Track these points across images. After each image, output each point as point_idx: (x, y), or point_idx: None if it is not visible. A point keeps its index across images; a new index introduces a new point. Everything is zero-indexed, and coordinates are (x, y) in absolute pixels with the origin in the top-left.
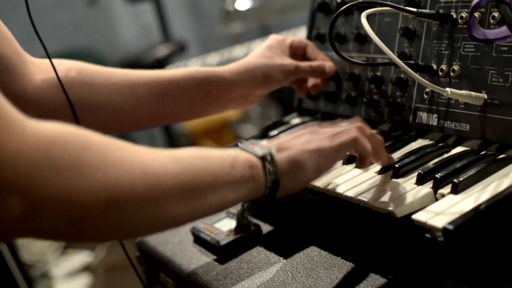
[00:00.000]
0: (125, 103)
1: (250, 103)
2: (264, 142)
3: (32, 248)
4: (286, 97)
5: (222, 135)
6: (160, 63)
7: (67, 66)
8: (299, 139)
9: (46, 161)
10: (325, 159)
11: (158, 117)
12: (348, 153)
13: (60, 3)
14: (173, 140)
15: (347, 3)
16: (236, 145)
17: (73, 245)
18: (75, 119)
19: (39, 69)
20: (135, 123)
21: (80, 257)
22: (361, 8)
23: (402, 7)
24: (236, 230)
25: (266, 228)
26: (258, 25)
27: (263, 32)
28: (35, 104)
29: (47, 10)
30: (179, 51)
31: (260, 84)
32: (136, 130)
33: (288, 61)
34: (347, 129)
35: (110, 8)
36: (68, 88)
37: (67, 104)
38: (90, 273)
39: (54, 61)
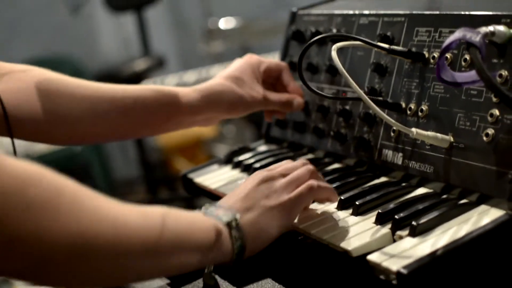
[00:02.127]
0: (87, 118)
1: (213, 124)
2: (226, 203)
3: None
4: (261, 118)
5: (195, 153)
6: (137, 77)
7: (33, 75)
8: (257, 193)
9: (20, 199)
10: (286, 215)
11: (119, 133)
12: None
13: (43, 8)
14: (145, 154)
15: (321, 34)
16: (202, 208)
17: None
18: (8, 127)
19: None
20: (95, 138)
21: None
22: (335, 40)
23: (373, 42)
24: None
25: None
26: (239, 46)
27: (244, 52)
28: None
29: (29, 14)
30: (158, 66)
31: (224, 112)
32: (97, 143)
33: (257, 92)
34: (301, 176)
35: (93, 17)
36: (30, 97)
37: (29, 114)
38: None
39: (23, 67)
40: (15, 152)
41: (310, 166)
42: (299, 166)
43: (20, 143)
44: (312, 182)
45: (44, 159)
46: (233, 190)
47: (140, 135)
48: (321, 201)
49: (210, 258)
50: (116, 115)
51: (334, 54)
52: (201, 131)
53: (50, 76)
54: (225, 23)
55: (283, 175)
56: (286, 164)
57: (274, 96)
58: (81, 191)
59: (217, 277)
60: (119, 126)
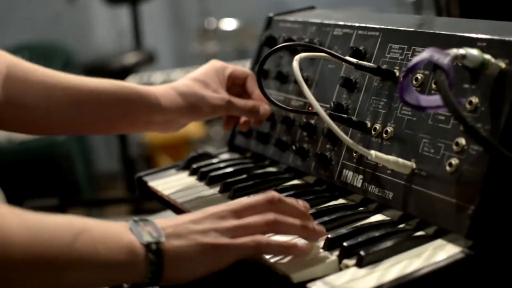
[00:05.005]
0: (40, 104)
1: (174, 129)
2: (160, 223)
3: None
4: None
5: (181, 153)
6: (126, 70)
7: None
8: (197, 226)
9: None
10: (218, 258)
11: (72, 126)
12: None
13: None
14: (128, 149)
15: (293, 41)
16: (131, 221)
17: None
18: None
19: None
20: (49, 128)
21: None
22: (305, 50)
23: (341, 56)
24: None
25: None
26: (234, 48)
27: (239, 55)
28: None
29: (25, 0)
30: (148, 62)
31: (186, 113)
32: (50, 135)
33: (220, 96)
34: (255, 225)
35: (89, 7)
36: None
37: None
38: None
39: None
40: None
41: (271, 216)
42: (261, 210)
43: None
44: (261, 239)
45: (25, 146)
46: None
47: (94, 131)
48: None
49: (120, 278)
50: (69, 104)
51: (295, 64)
52: (189, 131)
53: (10, 59)
54: (222, 24)
55: (239, 215)
56: (250, 202)
57: (239, 101)
58: None
59: None
60: (72, 117)
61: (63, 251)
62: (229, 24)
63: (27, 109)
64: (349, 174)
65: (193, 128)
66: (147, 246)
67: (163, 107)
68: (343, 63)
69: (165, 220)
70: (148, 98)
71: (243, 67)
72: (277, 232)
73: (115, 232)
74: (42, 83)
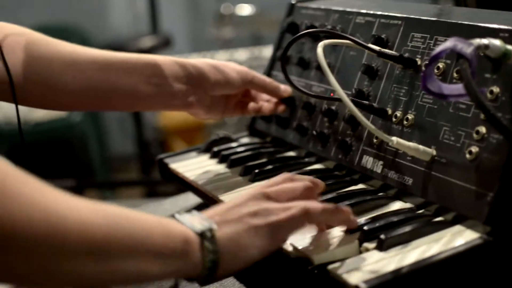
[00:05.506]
0: (66, 75)
1: (203, 106)
2: (205, 213)
3: None
4: None
5: (195, 137)
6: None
7: (8, 31)
8: (244, 208)
9: None
10: (273, 237)
11: (97, 97)
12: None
13: None
14: (143, 133)
15: (315, 28)
16: (173, 216)
17: None
18: (11, 83)
19: None
20: (75, 102)
21: None
22: (328, 37)
23: (363, 43)
24: None
25: None
26: (250, 34)
27: (254, 41)
28: None
29: None
30: (164, 46)
31: (209, 89)
32: (76, 110)
33: (247, 69)
34: (295, 193)
35: None
36: (8, 53)
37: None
38: None
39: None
40: (18, 117)
41: (310, 185)
42: (298, 187)
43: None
44: (308, 205)
45: (41, 127)
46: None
47: (119, 105)
48: (319, 225)
49: (175, 270)
50: (95, 71)
51: (320, 50)
52: None
53: (32, 35)
54: (239, 9)
55: (279, 194)
56: (285, 182)
57: (260, 75)
58: (8, 174)
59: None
60: (98, 86)
61: (120, 238)
62: (245, 9)
63: (53, 82)
64: (369, 160)
65: None
66: (202, 234)
67: (189, 75)
68: (366, 50)
69: (207, 211)
70: (172, 66)
71: (259, 52)
72: (314, 198)
73: (165, 222)
74: (68, 52)
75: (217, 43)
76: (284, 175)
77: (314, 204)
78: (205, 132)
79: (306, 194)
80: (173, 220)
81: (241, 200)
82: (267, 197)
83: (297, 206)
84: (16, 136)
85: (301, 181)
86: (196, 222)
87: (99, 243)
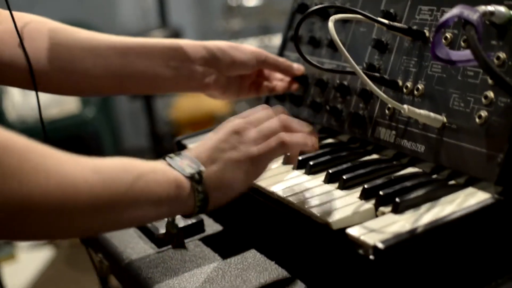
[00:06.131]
0: (87, 61)
1: (220, 87)
2: (193, 153)
3: None
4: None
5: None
6: None
7: (28, 20)
8: (226, 144)
9: None
10: (254, 168)
11: (118, 81)
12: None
13: None
14: (155, 126)
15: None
16: (164, 159)
17: None
18: (31, 71)
19: (3, 19)
20: (97, 86)
21: None
22: (337, 13)
23: (373, 17)
24: (165, 236)
25: (215, 227)
26: (258, 24)
27: (263, 31)
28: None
29: None
30: (173, 38)
31: (228, 57)
32: (98, 95)
33: (260, 49)
34: (272, 128)
35: None
36: (26, 43)
37: (24, 57)
38: (54, 247)
39: (18, 14)
40: (39, 105)
41: (284, 116)
42: (272, 116)
43: (32, 107)
44: (284, 135)
45: (54, 125)
46: (203, 139)
47: (139, 88)
48: (293, 155)
49: (170, 211)
50: (115, 57)
51: (331, 24)
52: (214, 107)
53: (48, 21)
54: (246, 0)
55: (255, 125)
56: (259, 113)
57: (272, 55)
58: (29, 149)
59: (204, 247)
60: (118, 70)
61: (123, 192)
62: (252, 0)
63: (75, 68)
64: (382, 130)
65: (219, 104)
66: (191, 177)
67: (205, 57)
68: (375, 24)
69: (195, 148)
70: (189, 48)
71: (268, 42)
72: (290, 131)
73: (159, 169)
74: (87, 39)
75: (226, 34)
76: (259, 108)
77: (287, 135)
78: (217, 124)
79: (278, 124)
80: (166, 166)
81: (223, 134)
82: (243, 129)
83: (275, 137)
84: (29, 134)
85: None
86: (185, 165)
87: (105, 201)
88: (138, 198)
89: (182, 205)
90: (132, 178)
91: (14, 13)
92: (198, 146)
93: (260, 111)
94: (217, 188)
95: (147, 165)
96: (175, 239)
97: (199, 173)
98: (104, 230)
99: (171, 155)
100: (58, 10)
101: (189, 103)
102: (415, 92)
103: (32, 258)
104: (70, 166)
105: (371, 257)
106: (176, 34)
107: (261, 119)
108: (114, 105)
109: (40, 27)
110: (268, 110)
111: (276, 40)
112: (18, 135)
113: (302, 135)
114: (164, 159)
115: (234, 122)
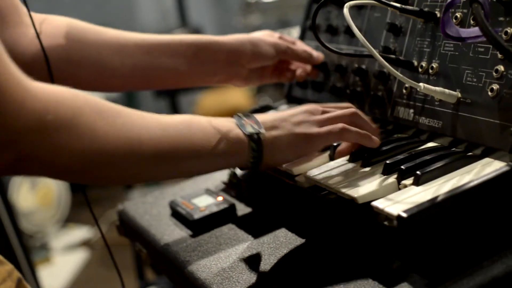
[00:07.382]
0: (114, 58)
1: (242, 78)
2: (260, 117)
3: (33, 219)
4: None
5: None
6: None
7: (59, 21)
8: (292, 119)
9: (38, 127)
10: (308, 144)
11: (145, 76)
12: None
13: None
14: None
15: None
16: (235, 116)
17: (74, 220)
18: (49, 72)
19: (35, 22)
20: (124, 83)
21: (80, 232)
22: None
23: (386, 1)
24: (228, 186)
25: (243, 209)
26: (277, 19)
27: (282, 26)
28: (27, 56)
29: None
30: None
31: (249, 51)
32: (126, 91)
33: (280, 41)
34: (340, 117)
35: None
36: (58, 42)
37: (59, 58)
38: (89, 249)
39: (49, 16)
40: None
41: (357, 112)
42: (343, 108)
43: None
44: (343, 125)
45: None
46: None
47: (164, 83)
48: (347, 147)
49: (227, 163)
50: (141, 53)
51: (346, 11)
52: (237, 102)
53: (75, 22)
54: None
55: (328, 112)
56: (338, 104)
57: (293, 45)
58: (101, 109)
59: (237, 230)
60: (145, 66)
61: (185, 145)
62: None
63: (103, 67)
64: (400, 109)
65: (243, 101)
66: (250, 136)
67: (228, 52)
68: (388, 8)
69: (265, 115)
70: (209, 37)
71: (288, 34)
72: (355, 125)
73: (224, 127)
74: (114, 39)
75: (245, 31)
76: (332, 104)
77: (351, 127)
78: None
79: (346, 115)
80: (231, 123)
81: (294, 111)
82: (313, 112)
83: (338, 124)
84: None
85: (343, 105)
86: (248, 125)
87: (168, 153)
88: (200, 153)
89: (238, 159)
90: (196, 133)
91: (42, 15)
92: (270, 114)
93: (340, 104)
94: (271, 152)
95: (211, 121)
96: (236, 188)
97: (258, 133)
98: (166, 178)
99: (240, 114)
100: (79, 14)
101: (213, 100)
102: (430, 71)
103: (67, 260)
104: (138, 122)
105: (395, 225)
106: (196, 33)
107: (336, 108)
108: (139, 103)
109: (68, 29)
110: (348, 104)
111: (295, 33)
112: (91, 96)
113: (364, 131)
114: (232, 116)
115: (311, 105)
